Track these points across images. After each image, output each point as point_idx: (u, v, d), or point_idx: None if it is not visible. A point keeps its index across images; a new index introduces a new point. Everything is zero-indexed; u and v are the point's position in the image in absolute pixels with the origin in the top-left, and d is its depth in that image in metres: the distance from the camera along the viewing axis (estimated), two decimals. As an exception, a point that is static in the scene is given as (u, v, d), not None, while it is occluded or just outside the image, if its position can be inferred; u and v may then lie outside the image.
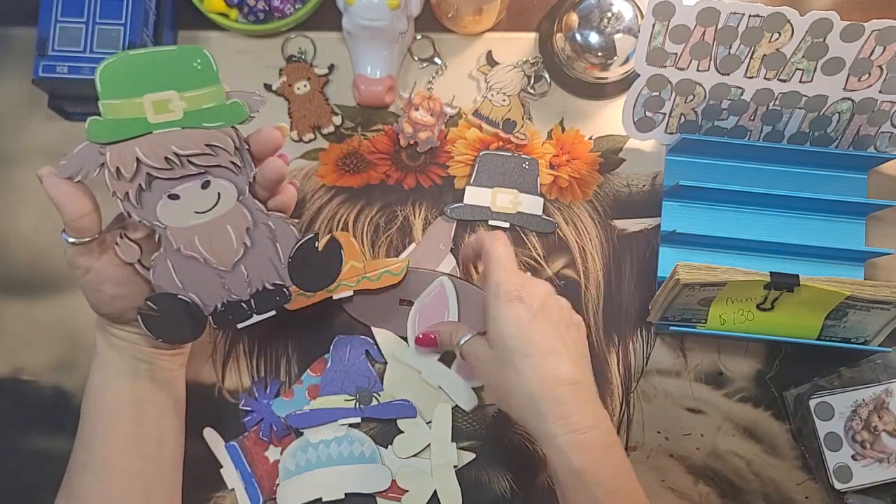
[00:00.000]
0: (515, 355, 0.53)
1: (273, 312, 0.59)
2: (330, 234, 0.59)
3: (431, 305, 0.67)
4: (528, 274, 0.58)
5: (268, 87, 0.72)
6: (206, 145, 0.51)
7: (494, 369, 0.56)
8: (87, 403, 0.58)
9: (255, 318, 0.58)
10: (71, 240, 0.51)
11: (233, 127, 0.51)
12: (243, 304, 0.57)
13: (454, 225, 0.71)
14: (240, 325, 0.58)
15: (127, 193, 0.51)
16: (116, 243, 0.53)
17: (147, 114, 0.49)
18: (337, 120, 0.72)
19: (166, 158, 0.50)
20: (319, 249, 0.57)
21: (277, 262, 0.57)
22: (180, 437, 0.62)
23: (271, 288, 0.57)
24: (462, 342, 0.60)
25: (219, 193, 0.53)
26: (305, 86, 0.72)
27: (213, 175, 0.52)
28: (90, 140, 0.49)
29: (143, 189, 0.51)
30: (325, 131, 0.72)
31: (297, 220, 0.57)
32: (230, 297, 0.57)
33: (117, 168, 0.50)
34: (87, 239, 0.52)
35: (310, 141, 0.72)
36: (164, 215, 0.52)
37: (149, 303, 0.54)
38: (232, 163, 0.52)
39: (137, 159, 0.50)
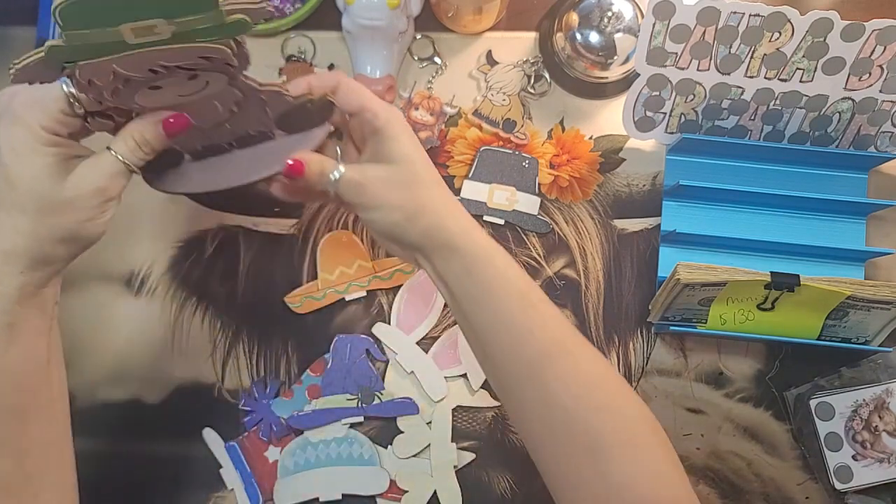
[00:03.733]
0: (428, 174, 0.52)
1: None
2: (327, 98, 0.54)
3: (421, 286, 0.68)
4: None
5: None
6: (200, 58, 0.45)
7: (403, 187, 0.52)
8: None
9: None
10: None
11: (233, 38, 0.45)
12: (224, 145, 0.54)
13: None
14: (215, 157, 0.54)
15: (101, 93, 0.45)
16: (87, 122, 0.48)
17: (126, 37, 0.42)
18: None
19: (150, 70, 0.44)
20: (312, 108, 0.53)
21: (266, 118, 0.53)
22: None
23: (254, 134, 0.54)
24: (340, 171, 0.52)
25: (207, 81, 0.48)
26: None
27: (202, 70, 0.46)
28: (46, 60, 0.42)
29: (119, 88, 0.45)
30: (324, 128, 0.72)
31: (287, 91, 0.52)
32: (209, 141, 0.53)
33: (89, 80, 0.44)
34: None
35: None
36: (145, 100, 0.47)
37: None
38: (227, 64, 0.46)
39: (114, 72, 0.44)
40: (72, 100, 0.46)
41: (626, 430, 0.48)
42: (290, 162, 0.52)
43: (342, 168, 0.52)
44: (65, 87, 0.46)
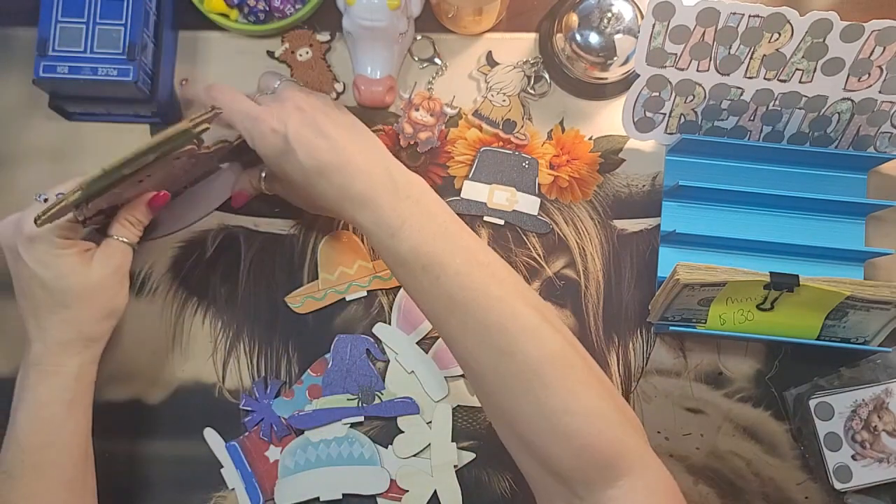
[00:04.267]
0: (319, 169, 0.56)
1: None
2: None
3: None
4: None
5: (270, 53, 0.73)
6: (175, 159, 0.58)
7: (305, 192, 0.59)
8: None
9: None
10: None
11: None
12: (181, 189, 0.65)
13: None
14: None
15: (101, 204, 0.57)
16: (84, 223, 0.58)
17: (123, 172, 0.55)
18: (339, 87, 0.73)
19: (139, 180, 0.58)
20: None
21: (214, 162, 0.64)
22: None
23: (202, 174, 0.65)
24: (263, 176, 0.64)
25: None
26: (307, 52, 0.72)
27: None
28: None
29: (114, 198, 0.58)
30: (327, 98, 0.73)
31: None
32: (171, 190, 0.63)
33: (97, 207, 0.57)
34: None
35: None
36: (129, 192, 0.59)
37: None
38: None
39: (113, 192, 0.56)
40: (79, 218, 0.56)
41: (530, 371, 0.50)
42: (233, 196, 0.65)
43: (263, 174, 0.64)
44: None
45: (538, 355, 0.50)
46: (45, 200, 0.56)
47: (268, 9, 0.71)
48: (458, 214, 0.70)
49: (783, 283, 0.62)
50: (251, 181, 0.65)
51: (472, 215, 0.71)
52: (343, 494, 0.66)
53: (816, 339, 0.65)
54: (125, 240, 0.60)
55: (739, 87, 0.67)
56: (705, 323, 0.65)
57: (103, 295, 0.58)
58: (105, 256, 0.59)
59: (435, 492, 0.66)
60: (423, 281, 0.53)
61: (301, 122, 0.56)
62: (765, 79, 0.66)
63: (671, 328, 0.66)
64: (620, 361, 0.69)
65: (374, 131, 0.72)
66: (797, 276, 0.62)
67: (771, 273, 0.62)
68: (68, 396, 0.57)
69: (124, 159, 0.53)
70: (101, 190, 0.54)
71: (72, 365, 0.58)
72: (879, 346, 0.66)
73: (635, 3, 0.70)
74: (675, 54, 0.65)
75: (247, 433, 0.67)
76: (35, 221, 0.53)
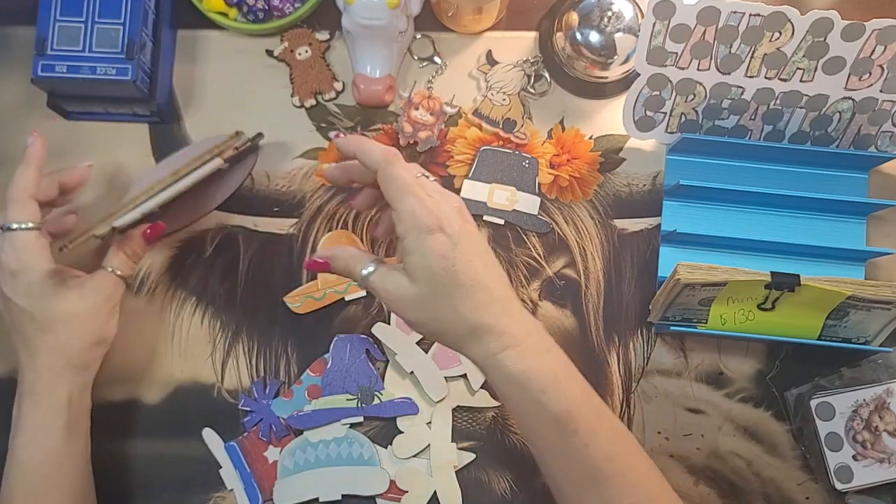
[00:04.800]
0: (448, 289, 0.50)
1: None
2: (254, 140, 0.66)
3: None
4: (432, 179, 0.54)
5: (269, 52, 0.73)
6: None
7: (422, 306, 0.51)
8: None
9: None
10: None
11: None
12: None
13: None
14: None
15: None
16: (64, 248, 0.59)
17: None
18: (338, 86, 0.72)
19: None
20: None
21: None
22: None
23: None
24: (365, 273, 0.53)
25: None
26: (307, 51, 0.72)
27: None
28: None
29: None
30: (326, 97, 0.72)
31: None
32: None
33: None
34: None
35: (311, 107, 0.72)
36: None
37: None
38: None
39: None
40: (61, 247, 0.59)
41: None
42: (318, 260, 0.56)
43: (371, 268, 0.53)
44: (23, 226, 0.58)
45: None
46: (7, 229, 0.58)
47: (267, 8, 0.71)
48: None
49: (784, 283, 0.62)
50: (351, 264, 0.55)
51: (472, 215, 0.70)
52: (342, 495, 0.66)
53: (817, 339, 0.65)
54: (118, 272, 0.61)
55: (740, 87, 0.66)
56: (706, 323, 0.65)
57: (92, 323, 0.60)
58: (96, 286, 0.60)
59: (435, 492, 0.66)
60: (570, 446, 0.50)
61: (468, 231, 0.52)
62: (765, 78, 0.66)
63: (672, 328, 0.66)
64: (621, 361, 0.69)
65: (373, 131, 0.72)
66: (798, 276, 0.61)
67: (772, 273, 0.61)
68: (61, 423, 0.58)
69: (160, 199, 0.57)
70: (130, 225, 0.59)
71: (62, 392, 0.58)
72: (880, 346, 0.66)
73: (636, 2, 0.70)
74: (676, 53, 0.65)
75: (246, 433, 0.67)
76: (59, 250, 0.58)
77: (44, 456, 0.57)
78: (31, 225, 0.58)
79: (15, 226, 0.57)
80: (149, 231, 0.62)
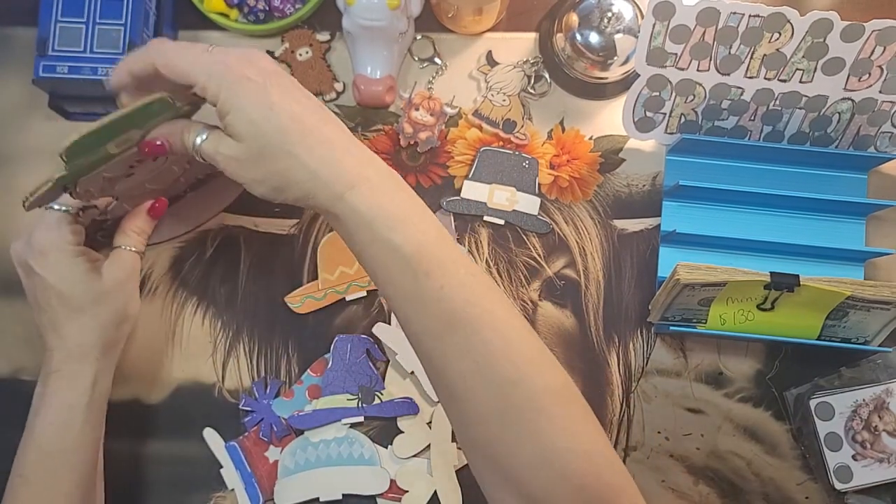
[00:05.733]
0: (278, 138, 0.47)
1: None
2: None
3: None
4: (211, 46, 0.50)
5: (270, 53, 0.73)
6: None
7: (255, 161, 0.48)
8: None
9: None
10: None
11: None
12: (181, 193, 0.66)
13: (452, 216, 0.71)
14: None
15: (93, 194, 0.56)
16: (79, 217, 0.59)
17: (110, 150, 0.52)
18: (339, 86, 0.73)
19: (129, 166, 0.56)
20: None
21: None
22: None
23: (203, 178, 0.65)
24: (199, 141, 0.51)
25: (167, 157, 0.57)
26: (307, 52, 0.72)
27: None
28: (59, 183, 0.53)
29: (106, 186, 0.56)
30: (327, 97, 0.72)
31: None
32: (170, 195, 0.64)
33: (86, 189, 0.54)
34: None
35: None
36: (122, 186, 0.58)
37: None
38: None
39: (104, 177, 0.55)
40: (79, 212, 0.59)
41: (533, 403, 0.46)
42: (154, 142, 0.52)
43: (203, 136, 0.51)
44: (60, 208, 0.58)
45: (543, 387, 0.46)
46: (48, 208, 0.57)
47: (267, 8, 0.71)
48: (458, 214, 0.71)
49: (783, 283, 0.62)
50: (184, 135, 0.52)
51: (472, 215, 0.71)
52: (343, 494, 0.66)
53: (817, 339, 0.65)
54: (132, 248, 0.61)
55: (740, 87, 0.67)
56: (705, 323, 0.65)
57: (117, 300, 0.60)
58: (114, 264, 0.60)
59: (435, 492, 0.66)
60: (423, 289, 0.46)
61: (280, 82, 0.49)
62: (765, 78, 0.66)
63: (671, 328, 0.66)
64: (620, 361, 0.69)
65: (374, 131, 0.72)
66: (797, 276, 0.62)
67: (771, 273, 0.61)
68: (85, 401, 0.58)
69: (100, 125, 0.49)
70: (85, 168, 0.52)
71: (89, 371, 0.59)
72: (880, 346, 0.66)
73: (635, 3, 0.70)
74: (676, 54, 0.65)
75: (246, 433, 0.67)
76: (23, 204, 0.53)
77: (64, 433, 0.57)
78: (66, 208, 0.58)
79: (56, 206, 0.58)
80: (156, 205, 0.62)
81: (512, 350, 0.46)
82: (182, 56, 0.49)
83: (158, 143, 0.52)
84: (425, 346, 0.48)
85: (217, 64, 0.48)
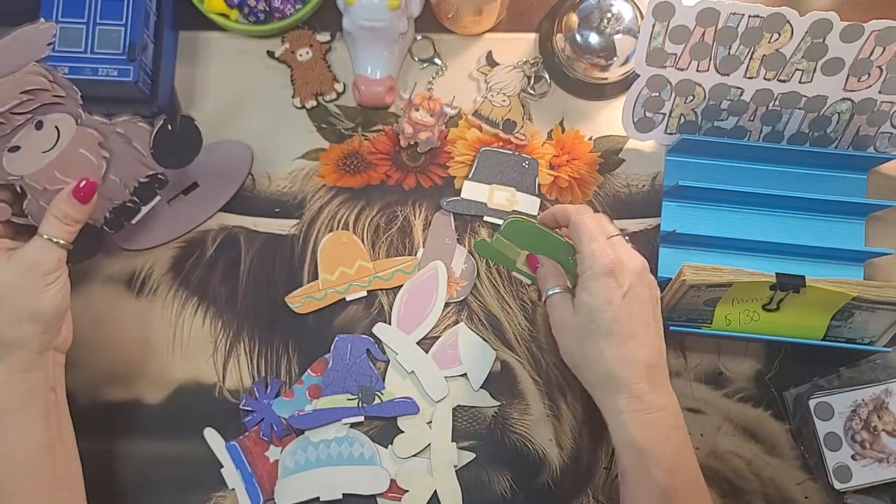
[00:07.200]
0: (601, 331, 0.54)
1: (158, 198, 0.64)
2: (182, 115, 0.63)
3: (422, 286, 0.69)
4: (625, 240, 0.58)
5: (270, 53, 0.73)
6: (22, 93, 0.53)
7: (574, 337, 0.56)
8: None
9: (144, 210, 0.63)
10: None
11: (37, 62, 0.53)
12: (128, 204, 0.62)
13: (452, 216, 0.71)
14: (133, 221, 0.63)
15: None
16: None
17: (517, 260, 0.63)
18: (339, 87, 0.73)
19: None
20: (174, 130, 0.61)
21: (141, 157, 0.60)
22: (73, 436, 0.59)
23: (146, 180, 0.62)
24: (550, 293, 0.59)
25: (56, 127, 0.55)
26: (308, 53, 0.73)
27: (42, 114, 0.55)
28: None
29: None
30: (327, 98, 0.73)
31: (141, 118, 0.61)
32: (113, 204, 0.61)
33: None
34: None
35: (312, 108, 0.72)
36: (15, 167, 0.55)
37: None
38: (55, 96, 0.54)
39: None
40: None
41: None
42: (535, 256, 0.62)
43: (555, 290, 0.59)
44: None
45: None
46: None
47: (268, 9, 0.72)
48: (458, 214, 0.71)
49: (789, 284, 0.62)
50: (547, 280, 0.60)
51: (472, 215, 0.71)
52: (343, 494, 0.66)
53: (822, 340, 0.65)
54: (53, 238, 0.55)
55: (739, 88, 0.67)
56: (711, 323, 0.65)
57: (18, 294, 0.53)
58: (23, 254, 0.54)
59: (435, 492, 0.66)
60: None
61: (641, 294, 0.56)
62: (764, 79, 0.66)
63: (671, 328, 0.66)
64: (620, 361, 0.69)
65: (374, 131, 0.72)
66: (803, 277, 0.61)
67: (777, 274, 0.61)
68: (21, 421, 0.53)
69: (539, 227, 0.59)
70: None
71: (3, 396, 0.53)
72: (885, 346, 0.66)
73: (635, 4, 0.70)
74: (675, 54, 0.65)
75: (247, 433, 0.67)
76: None
77: None
78: None
79: None
80: (82, 186, 0.55)
81: None
82: (588, 227, 0.57)
83: (535, 258, 0.62)
84: None
85: (601, 251, 0.55)
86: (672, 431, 0.55)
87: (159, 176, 0.62)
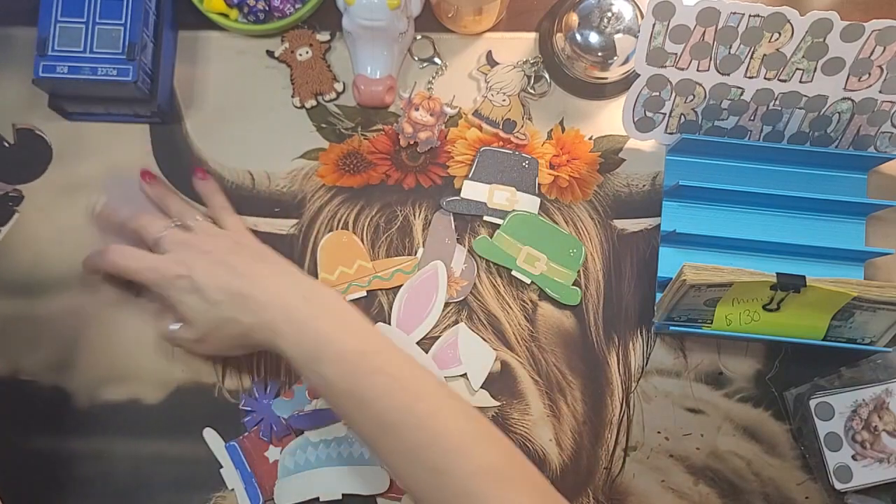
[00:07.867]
0: (227, 313, 0.58)
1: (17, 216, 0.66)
2: (20, 127, 0.65)
3: (421, 286, 0.69)
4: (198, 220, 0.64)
5: (270, 53, 0.73)
6: None
7: (215, 338, 0.60)
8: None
9: (3, 231, 0.67)
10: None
11: None
12: None
13: (451, 216, 0.71)
14: None
15: None
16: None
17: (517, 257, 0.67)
18: (339, 86, 0.73)
19: None
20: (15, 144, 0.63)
21: None
22: None
23: None
24: (172, 328, 0.63)
25: None
26: (307, 52, 0.72)
27: None
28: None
29: None
30: (327, 98, 0.72)
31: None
32: None
33: None
34: None
35: (312, 107, 0.72)
36: None
37: None
38: None
39: None
40: None
41: (463, 488, 0.51)
42: None
43: (176, 325, 0.63)
44: None
45: (470, 471, 0.51)
46: None
47: (267, 8, 0.71)
48: (458, 214, 0.71)
49: (790, 284, 0.61)
50: (161, 330, 0.65)
51: (472, 215, 0.71)
52: (343, 494, 0.66)
53: (823, 340, 0.65)
54: None
55: (739, 87, 0.67)
56: (711, 323, 0.65)
57: None
58: None
59: (435, 492, 0.66)
60: (349, 405, 0.55)
61: (207, 262, 0.59)
62: (765, 78, 0.66)
63: (672, 328, 0.66)
64: (620, 361, 0.69)
65: (373, 131, 0.72)
66: (804, 277, 0.61)
67: (777, 274, 0.61)
68: None
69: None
70: None
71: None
72: (885, 346, 0.66)
73: (635, 3, 0.70)
74: (676, 54, 0.65)
75: (246, 433, 0.67)
76: None
77: None
78: None
79: None
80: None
81: (435, 441, 0.52)
82: (124, 262, 0.62)
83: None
84: (377, 455, 0.56)
85: (150, 272, 0.60)
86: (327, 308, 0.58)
87: (10, 193, 0.62)
